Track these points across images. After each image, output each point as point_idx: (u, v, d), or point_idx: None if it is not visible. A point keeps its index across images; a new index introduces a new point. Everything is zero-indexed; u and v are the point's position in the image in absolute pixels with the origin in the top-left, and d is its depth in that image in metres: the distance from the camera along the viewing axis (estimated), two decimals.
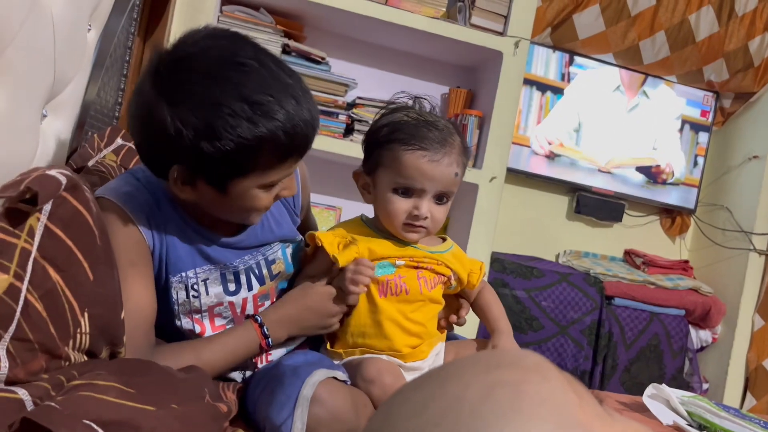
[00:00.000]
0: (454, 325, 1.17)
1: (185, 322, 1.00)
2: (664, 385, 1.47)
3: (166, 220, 0.96)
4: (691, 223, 3.10)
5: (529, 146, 2.86)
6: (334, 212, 2.74)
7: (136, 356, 0.88)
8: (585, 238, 3.04)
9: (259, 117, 0.82)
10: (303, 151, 0.91)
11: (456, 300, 1.18)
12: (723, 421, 1.30)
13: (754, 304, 2.82)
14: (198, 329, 1.00)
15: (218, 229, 1.01)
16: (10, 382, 0.68)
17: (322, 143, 2.40)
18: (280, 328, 1.01)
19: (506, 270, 2.65)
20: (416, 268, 1.07)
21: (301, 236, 1.12)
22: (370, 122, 2.50)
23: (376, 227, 1.10)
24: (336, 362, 1.02)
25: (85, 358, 0.79)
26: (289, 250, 1.09)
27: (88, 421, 0.66)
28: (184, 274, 0.98)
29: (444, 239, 1.16)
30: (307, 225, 1.22)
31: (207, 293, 1.00)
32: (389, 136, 1.04)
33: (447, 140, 1.04)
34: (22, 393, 0.67)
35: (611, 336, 2.72)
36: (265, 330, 0.99)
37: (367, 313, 1.05)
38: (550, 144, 2.89)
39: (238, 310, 1.04)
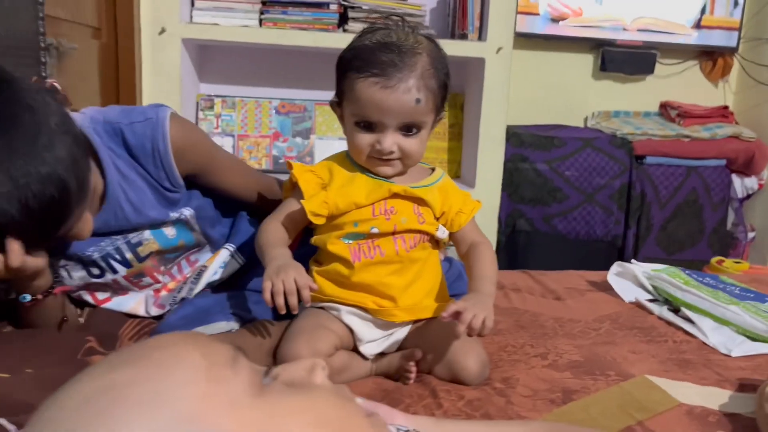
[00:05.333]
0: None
1: (75, 296, 1.06)
2: (634, 261, 1.43)
3: None
4: (734, 62, 2.83)
5: (538, 14, 2.66)
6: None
7: None
8: (615, 97, 2.86)
9: None
10: (44, 230, 0.77)
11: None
12: (685, 295, 1.27)
13: None
14: (83, 302, 1.06)
15: None
16: None
17: (314, 39, 2.34)
18: None
19: (524, 144, 2.56)
20: (392, 234, 0.98)
21: (178, 214, 1.05)
22: (365, 7, 2.42)
23: (354, 162, 1.00)
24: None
25: None
26: (168, 229, 1.05)
27: None
28: None
29: (433, 170, 1.06)
30: (229, 188, 1.12)
31: (71, 277, 1.02)
32: (348, 64, 0.95)
33: (406, 62, 0.92)
34: None
35: (644, 197, 2.62)
36: None
37: (338, 271, 0.98)
38: (567, 9, 2.67)
39: (114, 286, 1.06)
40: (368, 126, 0.95)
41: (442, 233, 1.02)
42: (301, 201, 0.97)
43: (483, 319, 0.88)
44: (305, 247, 1.03)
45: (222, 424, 0.38)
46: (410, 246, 0.99)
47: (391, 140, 0.95)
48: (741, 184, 2.72)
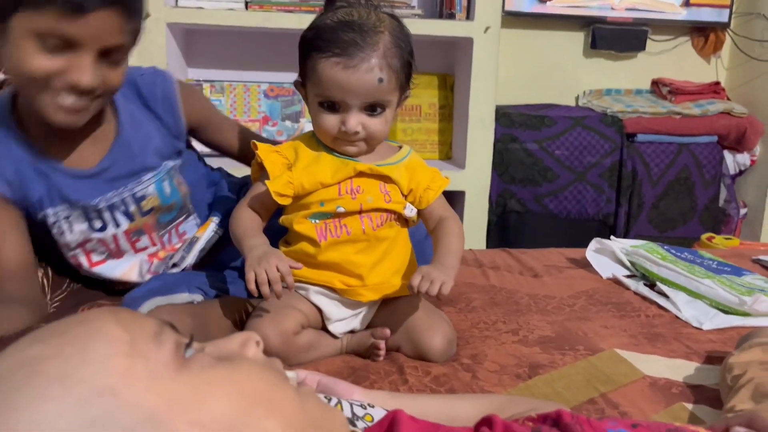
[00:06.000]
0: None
1: (70, 257, 1.07)
2: (613, 237, 1.44)
3: (9, 160, 0.97)
4: (726, 38, 2.81)
5: None
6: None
7: None
8: (607, 75, 2.84)
9: None
10: None
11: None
12: (660, 269, 1.27)
13: None
14: (76, 265, 1.07)
15: (72, 160, 1.01)
16: None
17: (300, 21, 2.32)
18: None
19: (514, 123, 2.55)
20: (359, 212, 0.98)
21: (174, 162, 1.11)
22: None
23: (320, 141, 1.01)
24: None
25: None
26: (166, 183, 1.09)
27: None
28: (42, 213, 1.01)
29: (400, 147, 1.05)
30: (228, 144, 1.19)
31: (71, 230, 1.03)
32: (310, 43, 0.95)
33: (367, 40, 0.92)
34: None
35: (635, 174, 2.61)
36: None
37: (305, 251, 0.99)
38: None
39: (112, 246, 1.08)
40: (332, 106, 0.95)
41: (410, 212, 1.03)
42: (266, 182, 0.97)
43: (440, 284, 0.89)
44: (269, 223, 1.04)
45: (142, 398, 0.39)
46: (377, 225, 1.00)
47: (356, 120, 0.95)
48: (733, 161, 2.71)
